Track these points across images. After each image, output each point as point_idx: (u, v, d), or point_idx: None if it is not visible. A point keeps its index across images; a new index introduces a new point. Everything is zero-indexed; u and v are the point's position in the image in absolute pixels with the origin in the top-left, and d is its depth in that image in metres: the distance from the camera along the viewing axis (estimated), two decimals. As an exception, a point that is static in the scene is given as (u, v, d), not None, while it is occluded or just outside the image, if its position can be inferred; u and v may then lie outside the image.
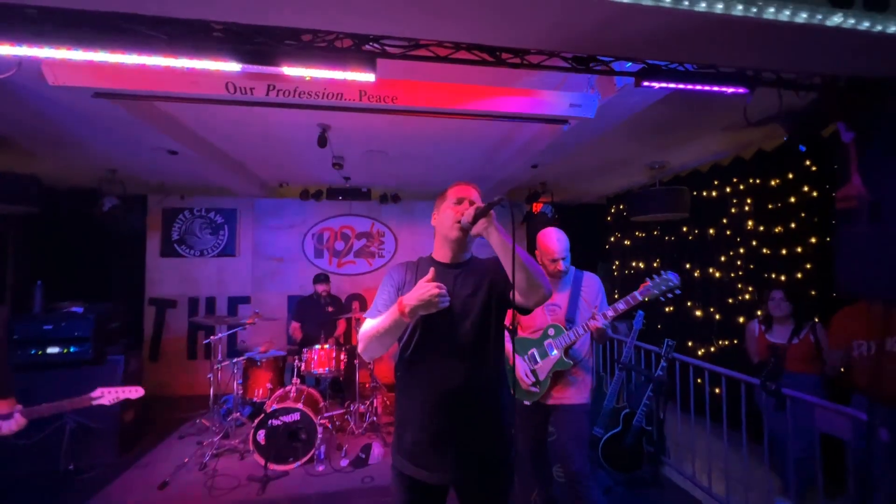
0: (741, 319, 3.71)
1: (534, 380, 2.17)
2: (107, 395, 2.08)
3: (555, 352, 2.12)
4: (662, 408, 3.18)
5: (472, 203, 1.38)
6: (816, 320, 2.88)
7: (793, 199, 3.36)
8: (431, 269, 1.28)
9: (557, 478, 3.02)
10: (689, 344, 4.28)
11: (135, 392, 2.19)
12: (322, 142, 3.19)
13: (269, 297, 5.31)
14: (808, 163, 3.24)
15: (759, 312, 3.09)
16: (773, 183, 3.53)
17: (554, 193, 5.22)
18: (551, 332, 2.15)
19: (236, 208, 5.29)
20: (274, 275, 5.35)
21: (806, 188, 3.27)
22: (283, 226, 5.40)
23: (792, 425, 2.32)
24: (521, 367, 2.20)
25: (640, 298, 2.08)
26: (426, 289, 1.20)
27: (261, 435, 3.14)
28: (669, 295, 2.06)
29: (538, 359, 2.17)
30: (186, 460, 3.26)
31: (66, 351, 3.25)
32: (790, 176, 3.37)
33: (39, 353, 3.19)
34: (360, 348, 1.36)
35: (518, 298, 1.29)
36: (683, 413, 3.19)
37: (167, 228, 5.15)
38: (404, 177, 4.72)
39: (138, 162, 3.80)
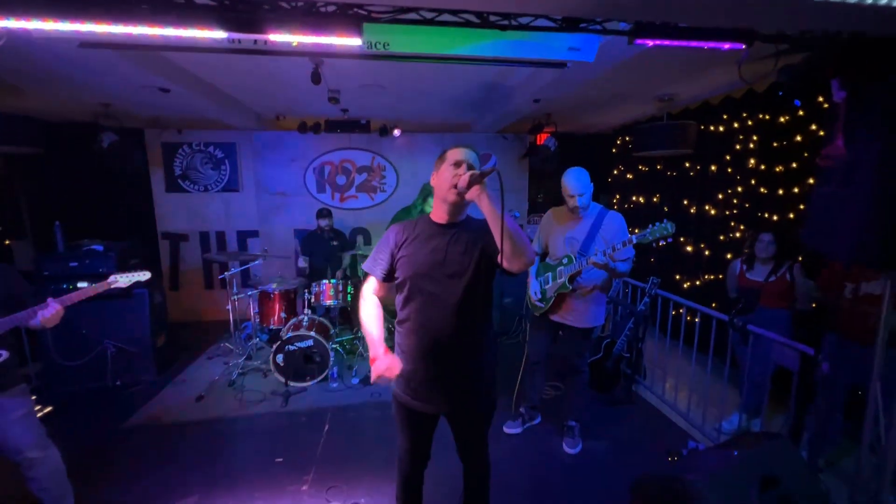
0: (729, 256, 3.85)
1: (540, 297, 2.63)
2: (121, 279, 2.23)
3: (563, 277, 2.47)
4: (641, 338, 3.49)
5: (469, 167, 1.44)
6: (800, 259, 3.02)
7: (799, 138, 3.29)
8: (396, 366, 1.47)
9: (544, 395, 3.43)
10: (677, 277, 4.49)
11: (143, 275, 2.32)
12: (315, 78, 3.08)
13: (276, 231, 5.49)
14: (820, 99, 3.12)
15: (745, 251, 3.21)
16: (781, 119, 3.43)
17: (559, 124, 5.06)
18: (565, 261, 2.50)
19: (235, 142, 5.24)
20: (279, 209, 5.47)
21: (814, 126, 3.18)
22: (283, 160, 5.38)
23: (751, 355, 2.59)
24: (533, 286, 2.68)
25: (634, 241, 2.28)
26: (383, 368, 1.44)
27: (280, 358, 3.52)
28: (662, 242, 2.25)
29: (550, 281, 2.56)
30: (217, 378, 3.71)
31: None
32: (800, 113, 3.26)
33: (71, 287, 3.46)
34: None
35: (503, 263, 1.38)
36: (661, 335, 3.49)
37: (169, 164, 5.17)
38: (403, 109, 4.57)
39: (131, 97, 3.72)
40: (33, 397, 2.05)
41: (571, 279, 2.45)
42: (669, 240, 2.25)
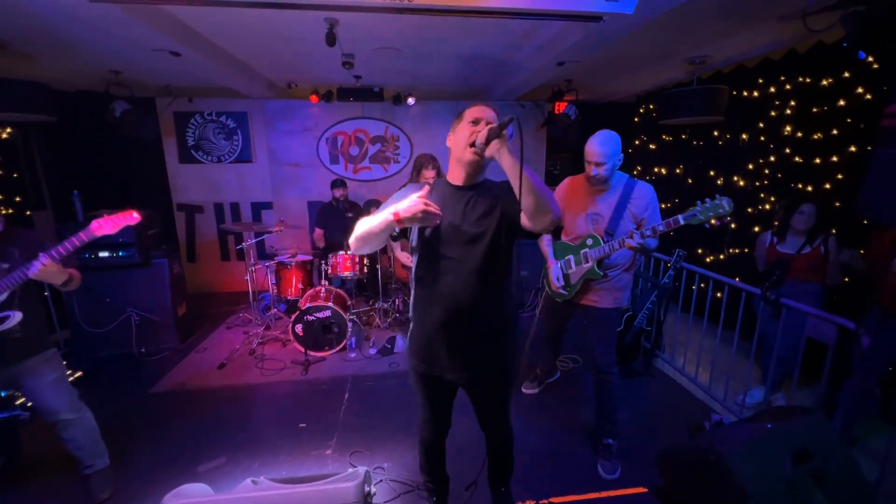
0: (756, 229, 3.71)
1: (563, 283, 2.29)
2: (105, 225, 1.92)
3: (590, 261, 2.17)
4: (663, 312, 3.42)
5: (488, 124, 1.35)
6: (833, 232, 2.89)
7: (842, 102, 3.08)
8: (426, 187, 1.37)
9: (561, 365, 3.42)
10: (699, 251, 4.36)
11: (131, 218, 1.97)
12: (330, 39, 2.96)
13: (290, 203, 5.45)
14: (870, 59, 2.89)
15: (775, 223, 3.07)
16: (824, 83, 3.20)
17: (580, 91, 4.85)
18: (589, 241, 2.18)
19: (247, 111, 5.14)
20: (292, 180, 5.41)
21: (860, 89, 2.97)
22: (295, 130, 5.28)
23: (782, 329, 2.51)
24: (554, 271, 2.31)
25: (682, 222, 1.93)
26: (414, 204, 1.27)
27: (298, 328, 3.55)
28: (717, 222, 1.97)
29: (573, 265, 2.24)
30: (238, 347, 3.77)
31: (115, 255, 3.55)
32: (846, 75, 3.04)
33: (93, 256, 3.49)
34: (351, 244, 1.41)
35: (525, 222, 1.30)
36: (683, 313, 3.42)
37: (181, 134, 5.10)
38: (418, 75, 4.40)
39: (141, 63, 3.62)
40: (64, 363, 2.10)
41: (600, 263, 2.14)
42: (727, 220, 1.90)
